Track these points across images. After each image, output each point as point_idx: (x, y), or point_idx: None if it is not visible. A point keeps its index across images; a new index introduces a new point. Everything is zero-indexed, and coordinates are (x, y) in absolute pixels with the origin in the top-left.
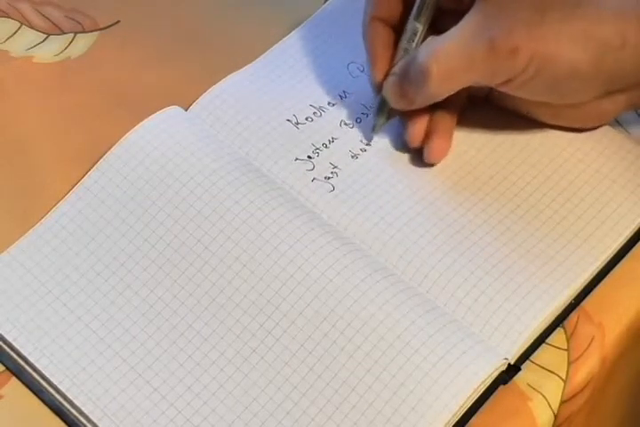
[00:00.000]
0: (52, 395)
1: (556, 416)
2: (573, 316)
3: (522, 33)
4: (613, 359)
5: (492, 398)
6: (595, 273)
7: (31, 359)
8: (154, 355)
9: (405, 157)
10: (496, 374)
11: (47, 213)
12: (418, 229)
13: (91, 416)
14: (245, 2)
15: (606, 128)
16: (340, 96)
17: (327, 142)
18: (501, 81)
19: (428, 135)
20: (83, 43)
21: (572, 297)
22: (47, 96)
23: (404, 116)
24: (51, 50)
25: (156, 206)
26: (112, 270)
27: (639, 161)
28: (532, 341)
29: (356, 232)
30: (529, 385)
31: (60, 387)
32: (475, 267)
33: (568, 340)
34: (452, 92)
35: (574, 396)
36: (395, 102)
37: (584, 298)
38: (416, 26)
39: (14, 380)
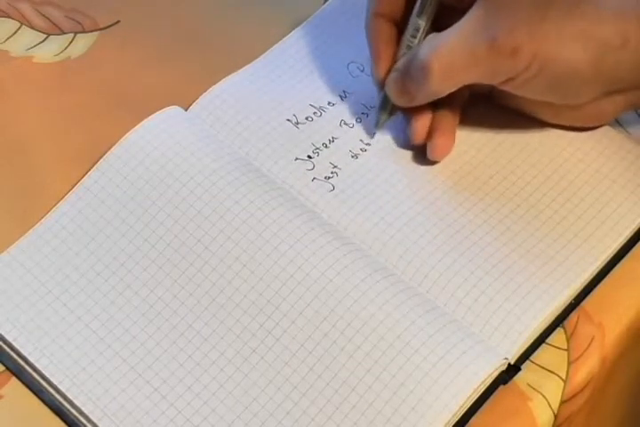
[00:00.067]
0: (52, 395)
1: (555, 416)
2: (573, 316)
3: (523, 32)
4: (613, 359)
5: (492, 398)
6: (595, 273)
7: (31, 359)
8: (154, 355)
9: (405, 156)
10: (496, 374)
11: (47, 213)
12: (418, 229)
13: (91, 416)
14: (245, 2)
15: (606, 128)
16: (340, 96)
17: (327, 142)
18: (502, 80)
19: (430, 132)
20: (83, 43)
21: (572, 297)
22: (47, 96)
23: (407, 112)
24: (51, 50)
25: (156, 206)
26: (112, 270)
27: (639, 161)
28: (532, 341)
29: (356, 232)
30: (529, 385)
31: (60, 387)
32: (475, 267)
33: (568, 340)
34: (453, 90)
35: (574, 396)
36: (396, 99)
37: (584, 298)
38: (418, 22)
39: (14, 380)
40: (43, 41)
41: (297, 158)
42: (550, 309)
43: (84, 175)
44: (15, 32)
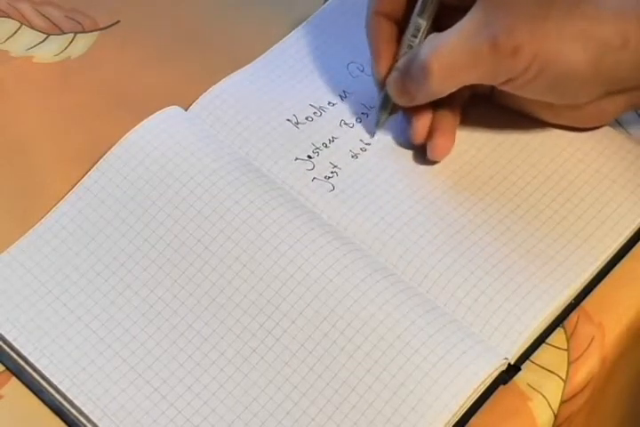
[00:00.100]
0: (52, 395)
1: (555, 416)
2: (573, 316)
3: (524, 31)
4: (613, 359)
5: (492, 398)
6: (595, 273)
7: (31, 359)
8: (154, 355)
9: (405, 156)
10: (496, 374)
11: (47, 213)
12: (418, 229)
13: (91, 416)
14: (245, 2)
15: (607, 128)
16: (340, 96)
17: (327, 142)
18: (503, 80)
19: (431, 132)
20: (83, 43)
21: (572, 297)
22: (47, 96)
23: (408, 112)
24: (51, 50)
25: (156, 206)
26: (112, 270)
27: (639, 161)
28: (532, 341)
29: (356, 232)
30: (529, 385)
31: (60, 387)
32: (475, 267)
33: (568, 340)
34: (454, 90)
35: (574, 396)
36: (397, 98)
37: (584, 298)
38: (419, 22)
39: (14, 380)
40: (43, 41)
41: (297, 158)
42: (550, 309)
43: (84, 175)
44: (15, 32)
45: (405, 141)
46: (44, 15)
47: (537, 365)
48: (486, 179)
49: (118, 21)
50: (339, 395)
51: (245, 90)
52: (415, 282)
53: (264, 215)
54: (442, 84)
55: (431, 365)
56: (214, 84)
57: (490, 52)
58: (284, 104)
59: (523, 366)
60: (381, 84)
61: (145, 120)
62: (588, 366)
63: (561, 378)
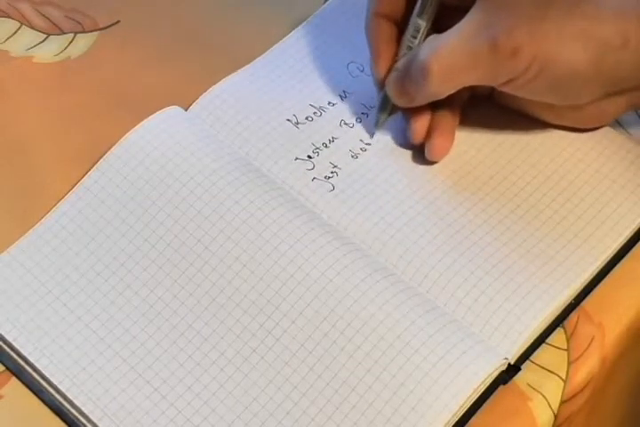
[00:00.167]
0: (52, 395)
1: (555, 416)
2: (573, 316)
3: (523, 31)
4: (613, 359)
5: (491, 398)
6: (595, 273)
7: (31, 359)
8: (154, 355)
9: (405, 156)
10: (496, 374)
11: (47, 213)
12: (418, 229)
13: (91, 416)
14: (245, 2)
15: (607, 129)
16: (340, 96)
17: (327, 142)
18: (503, 81)
19: (429, 133)
20: (83, 43)
21: (572, 297)
22: (47, 96)
23: (407, 112)
24: (51, 50)
25: (156, 206)
26: (112, 270)
27: (639, 161)
28: (532, 341)
29: (356, 232)
30: (529, 385)
31: (60, 387)
32: (475, 267)
33: (568, 340)
34: (453, 91)
35: (574, 396)
36: (396, 99)
37: (584, 298)
38: (419, 22)
39: (14, 380)
40: (43, 41)
41: (297, 158)
42: (550, 309)
43: (84, 175)
44: (15, 32)
45: (405, 142)
46: (44, 15)
47: (537, 365)
48: (486, 179)
49: (118, 21)
50: (339, 395)
51: (245, 90)
52: (415, 282)
53: (264, 215)
54: (441, 85)
55: (431, 365)
56: (214, 84)
57: (489, 53)
58: (284, 104)
59: (523, 366)
60: (381, 85)
61: (145, 120)
62: (588, 366)
63: (561, 378)
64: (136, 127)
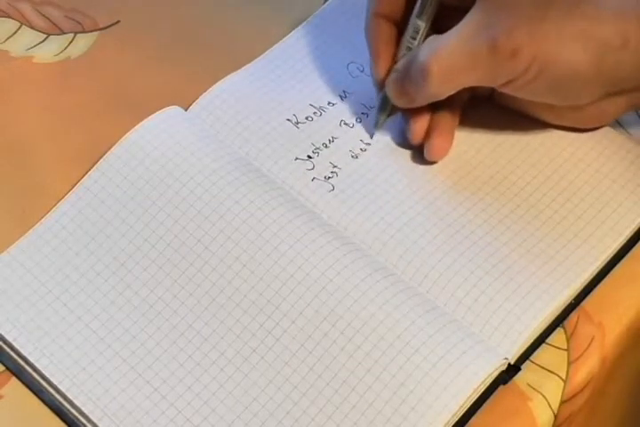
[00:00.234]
0: (52, 395)
1: (555, 416)
2: (573, 316)
3: (523, 32)
4: (613, 359)
5: (491, 398)
6: (595, 273)
7: (31, 359)
8: (154, 355)
9: (405, 156)
10: (496, 374)
11: (47, 213)
12: (418, 229)
13: (91, 416)
14: (245, 2)
15: (607, 129)
16: (340, 96)
17: (327, 142)
18: (502, 82)
19: (428, 133)
20: (83, 43)
21: (572, 297)
22: (47, 96)
23: (406, 113)
24: (51, 50)
25: (156, 206)
26: (112, 270)
27: (639, 161)
28: (532, 341)
29: (356, 232)
30: (529, 385)
31: (60, 387)
32: (475, 267)
33: (568, 340)
34: (453, 92)
35: (574, 396)
36: (396, 100)
37: (584, 298)
38: (418, 23)
39: (14, 380)
40: (43, 41)
41: (297, 158)
42: (550, 309)
43: (83, 175)
44: (15, 32)
45: (405, 142)
46: (44, 15)
47: (537, 365)
48: (486, 179)
49: (118, 21)
50: (339, 395)
51: (245, 90)
52: (415, 282)
53: (264, 215)
54: (441, 86)
55: (431, 365)
56: (214, 84)
57: (489, 54)
58: (284, 104)
59: (523, 366)
60: (380, 86)
61: (145, 120)
62: (588, 366)
63: (561, 378)
64: (136, 127)
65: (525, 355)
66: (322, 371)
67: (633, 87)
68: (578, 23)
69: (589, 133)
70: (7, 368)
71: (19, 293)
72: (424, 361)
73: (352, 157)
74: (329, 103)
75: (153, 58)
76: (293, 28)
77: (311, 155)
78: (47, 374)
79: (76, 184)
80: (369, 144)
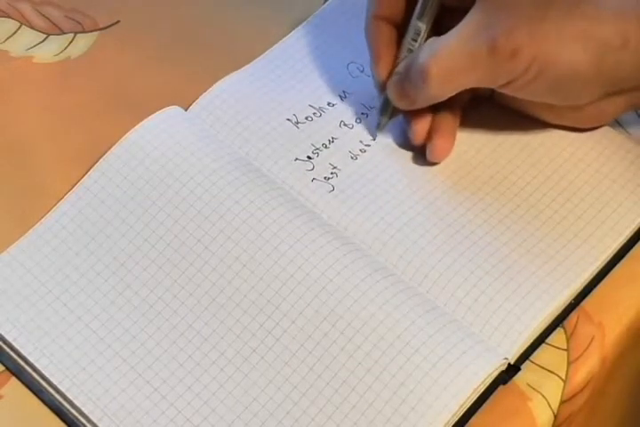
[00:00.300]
0: (52, 395)
1: (555, 416)
2: (573, 316)
3: (523, 32)
4: (613, 359)
5: (491, 398)
6: (595, 273)
7: (31, 359)
8: (154, 355)
9: (405, 157)
10: (496, 373)
11: (47, 213)
12: (418, 229)
13: (91, 416)
14: (245, 2)
15: (606, 128)
16: (340, 96)
17: (327, 142)
18: (502, 83)
19: (430, 134)
20: (83, 43)
21: (572, 297)
22: (47, 96)
23: (407, 114)
24: (51, 50)
25: (156, 206)
26: (112, 270)
27: (639, 161)
28: (531, 341)
29: (356, 232)
30: (529, 385)
31: (60, 387)
32: (475, 267)
33: (568, 340)
34: (454, 93)
35: (574, 396)
36: (397, 102)
37: (584, 298)
38: (419, 25)
39: (14, 380)
40: (43, 41)
41: (297, 159)
42: (550, 309)
43: (83, 175)
44: (15, 32)
45: (405, 142)
46: (43, 15)
47: (537, 365)
48: (486, 179)
49: (118, 21)
50: (339, 395)
51: (245, 90)
52: (415, 282)
53: (264, 215)
54: (441, 87)
55: (431, 365)
56: (214, 84)
57: (489, 55)
58: (284, 104)
59: (523, 366)
60: (382, 88)
61: (145, 120)
62: (587, 366)
63: (561, 378)
64: (136, 127)
65: (525, 355)
66: (322, 371)
67: (632, 87)
68: (578, 23)
69: (589, 133)
70: (7, 368)
71: (19, 293)
72: (424, 361)
73: (352, 157)
74: (329, 104)
75: (153, 58)
76: (293, 28)
77: (311, 155)
78: (47, 374)
79: (75, 184)
80: (368, 145)
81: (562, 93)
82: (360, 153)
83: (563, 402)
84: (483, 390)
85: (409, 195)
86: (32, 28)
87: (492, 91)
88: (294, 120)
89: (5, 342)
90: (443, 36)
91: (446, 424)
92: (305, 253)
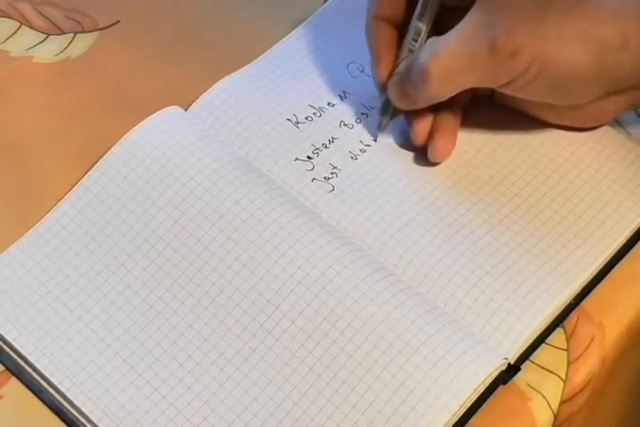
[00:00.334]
0: (52, 395)
1: (555, 416)
2: (573, 316)
3: (523, 32)
4: (613, 359)
5: (491, 398)
6: (595, 273)
7: (31, 359)
8: (154, 355)
9: (405, 157)
10: (496, 374)
11: (47, 213)
12: (418, 229)
13: (91, 416)
14: (245, 2)
15: (606, 128)
16: (340, 96)
17: (327, 142)
18: (502, 82)
19: (431, 134)
20: (83, 43)
21: (572, 297)
22: (47, 96)
23: (408, 114)
24: (51, 50)
25: (156, 206)
26: (112, 270)
27: (639, 161)
28: (531, 341)
29: (356, 232)
30: (529, 385)
31: (60, 387)
32: (475, 267)
33: (568, 340)
34: (454, 93)
35: (574, 396)
36: (397, 102)
37: (584, 298)
38: (419, 25)
39: (14, 380)
40: (42, 41)
41: (297, 159)
42: (550, 309)
43: (83, 175)
44: (15, 32)
45: (406, 143)
46: (43, 15)
47: (537, 365)
48: (486, 179)
49: (118, 21)
50: (339, 395)
51: (245, 90)
52: (415, 282)
53: (264, 215)
54: (441, 87)
55: (431, 365)
56: (214, 84)
57: (489, 55)
58: (284, 104)
59: (523, 366)
60: (382, 89)
61: (145, 120)
62: (587, 366)
63: (561, 378)
64: (136, 127)
65: (525, 355)
66: (322, 371)
67: (632, 86)
68: (578, 23)
69: (589, 133)
70: (7, 368)
71: (19, 293)
72: (424, 361)
73: (352, 158)
74: (329, 104)
75: (153, 58)
76: (293, 28)
77: (311, 155)
78: (47, 374)
79: (75, 184)
80: (368, 145)
81: (562, 93)
82: (360, 153)
83: (563, 402)
84: (483, 390)
85: (409, 195)
86: (32, 28)
87: (492, 91)
88: (294, 120)
89: (5, 342)
90: (443, 36)
91: (446, 424)
92: (305, 253)
